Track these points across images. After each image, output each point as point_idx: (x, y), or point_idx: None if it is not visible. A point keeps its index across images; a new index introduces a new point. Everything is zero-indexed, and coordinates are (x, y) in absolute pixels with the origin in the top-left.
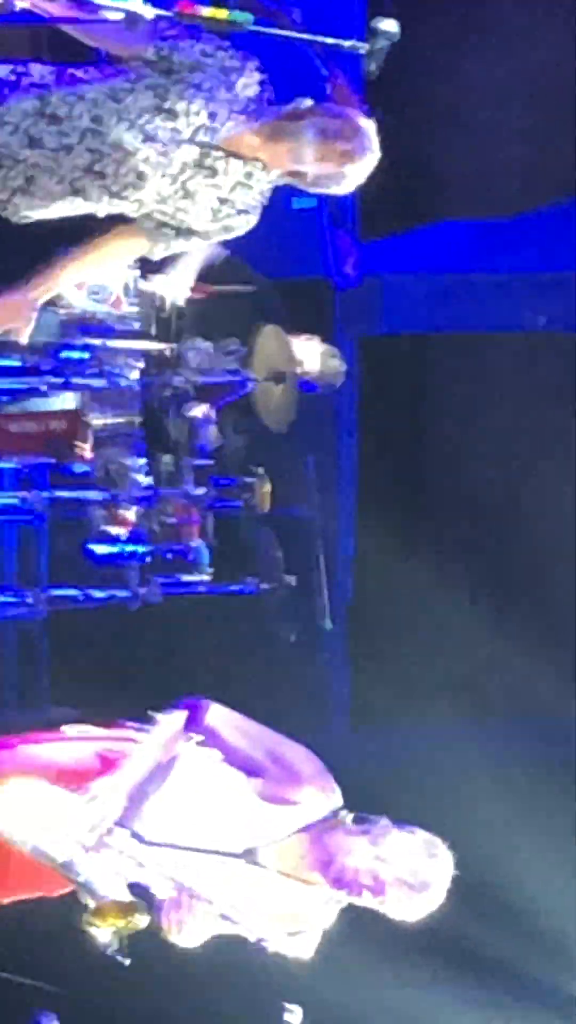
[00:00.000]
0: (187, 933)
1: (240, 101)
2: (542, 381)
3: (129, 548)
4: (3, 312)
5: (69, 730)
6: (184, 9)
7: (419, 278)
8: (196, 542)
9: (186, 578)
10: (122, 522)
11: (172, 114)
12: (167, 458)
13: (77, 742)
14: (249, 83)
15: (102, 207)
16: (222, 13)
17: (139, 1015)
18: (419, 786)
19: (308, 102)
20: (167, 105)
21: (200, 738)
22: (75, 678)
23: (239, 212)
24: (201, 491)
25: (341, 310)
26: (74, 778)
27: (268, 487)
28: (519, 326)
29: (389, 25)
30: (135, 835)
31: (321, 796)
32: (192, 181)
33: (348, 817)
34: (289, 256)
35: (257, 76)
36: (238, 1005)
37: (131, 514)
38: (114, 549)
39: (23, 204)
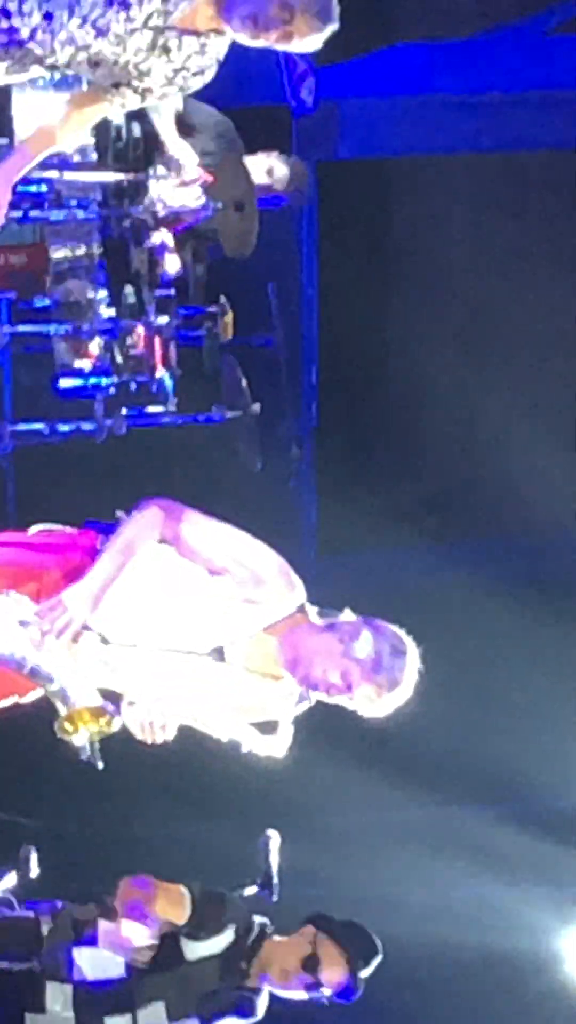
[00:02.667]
0: (157, 733)
1: None
2: (498, 201)
3: (93, 380)
4: None
5: (33, 530)
6: None
7: (376, 102)
8: (160, 372)
9: (152, 409)
10: (86, 355)
11: (125, 4)
12: (129, 289)
13: (42, 544)
14: None
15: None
16: None
17: (114, 840)
18: (385, 612)
19: None
20: None
21: (165, 535)
22: (43, 510)
23: (194, 74)
24: (164, 321)
25: (299, 135)
26: (37, 580)
27: (231, 315)
28: (475, 147)
29: None
30: (103, 638)
31: (285, 592)
32: (146, 62)
33: (313, 611)
34: (246, 83)
35: None
36: (219, 825)
37: (94, 347)
38: (79, 382)
39: None
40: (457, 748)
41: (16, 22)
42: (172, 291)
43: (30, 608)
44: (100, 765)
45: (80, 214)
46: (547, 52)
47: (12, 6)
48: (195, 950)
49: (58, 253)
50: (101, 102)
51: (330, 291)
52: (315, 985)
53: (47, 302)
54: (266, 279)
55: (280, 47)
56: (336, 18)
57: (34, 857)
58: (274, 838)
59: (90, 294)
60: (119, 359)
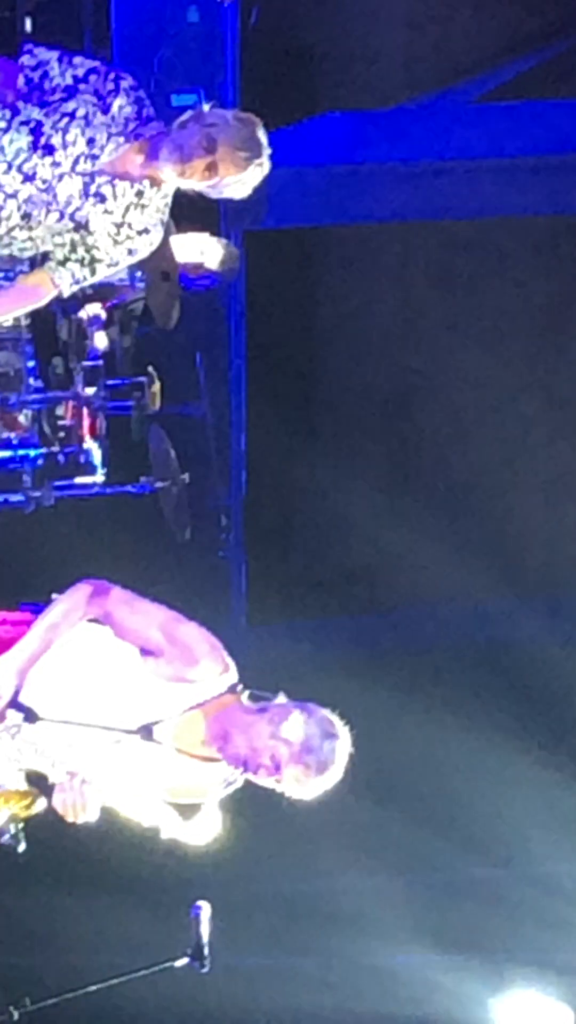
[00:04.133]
0: (82, 814)
1: (118, 122)
2: (425, 270)
3: (21, 452)
4: None
5: None
6: None
7: (303, 171)
8: (89, 443)
9: (80, 480)
10: (13, 426)
11: (49, 149)
12: (57, 360)
13: None
14: (125, 103)
15: None
16: None
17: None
18: (314, 681)
19: (188, 113)
20: (43, 141)
21: (95, 614)
22: None
23: (139, 233)
24: (92, 391)
25: (226, 205)
26: None
27: (158, 386)
28: (403, 216)
29: None
30: (28, 715)
31: (217, 672)
32: (81, 212)
33: (244, 694)
34: None
35: (133, 94)
36: (148, 897)
37: (23, 418)
38: (7, 453)
39: None
40: (386, 817)
41: None
42: (100, 362)
43: None
44: (22, 847)
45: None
46: (472, 120)
47: None
48: None
49: None
50: (43, 283)
51: (258, 359)
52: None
53: None
54: (194, 350)
55: (207, 185)
56: (264, 156)
57: None
58: (205, 908)
59: (17, 365)
60: (47, 430)
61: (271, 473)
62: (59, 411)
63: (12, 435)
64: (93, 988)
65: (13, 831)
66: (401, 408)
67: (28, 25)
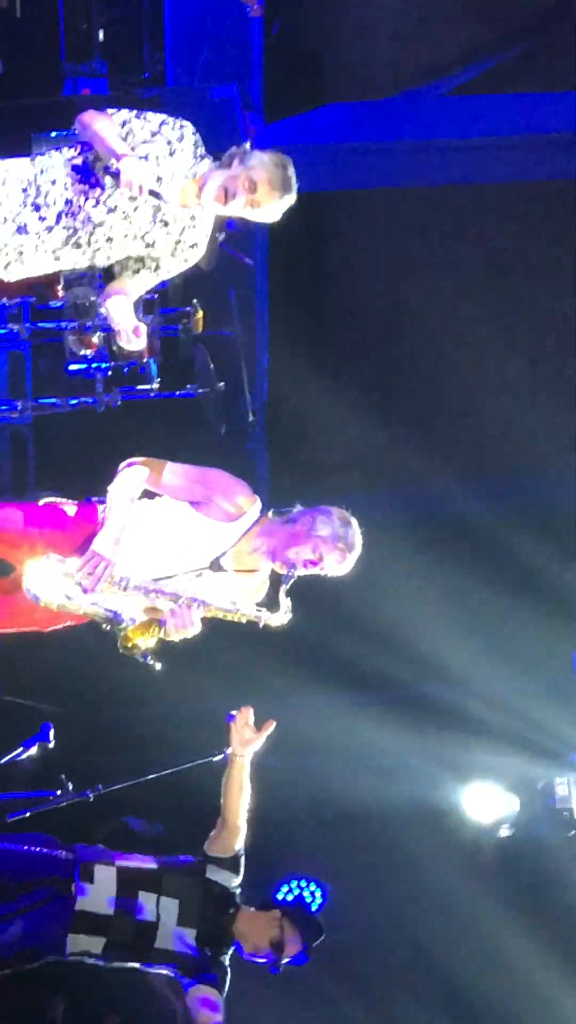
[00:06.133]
0: (191, 629)
1: (181, 162)
2: (408, 225)
3: (95, 365)
4: None
5: (42, 501)
6: None
7: (313, 147)
8: (147, 359)
9: (140, 387)
10: (89, 345)
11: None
12: None
13: (58, 517)
14: (186, 146)
15: (80, 263)
16: None
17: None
18: None
19: (234, 150)
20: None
21: (151, 480)
22: (56, 471)
23: (191, 247)
24: (150, 319)
25: None
26: (64, 544)
27: (201, 314)
28: (390, 183)
29: None
30: (123, 581)
31: (250, 503)
32: (150, 235)
33: (270, 513)
34: (211, 134)
35: (192, 138)
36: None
37: (95, 339)
38: (83, 366)
39: (15, 270)
40: (369, 646)
41: (44, 212)
42: (155, 296)
43: (70, 565)
44: (158, 666)
45: None
46: (445, 109)
47: (40, 200)
48: (214, 873)
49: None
50: (127, 288)
51: (277, 293)
52: (277, 959)
53: (59, 304)
54: (228, 285)
55: (245, 213)
56: (294, 189)
57: (52, 732)
58: (243, 713)
59: (92, 298)
60: (114, 348)
61: (288, 383)
62: None
63: (88, 352)
64: (152, 776)
65: (150, 656)
66: (391, 331)
67: (101, 36)
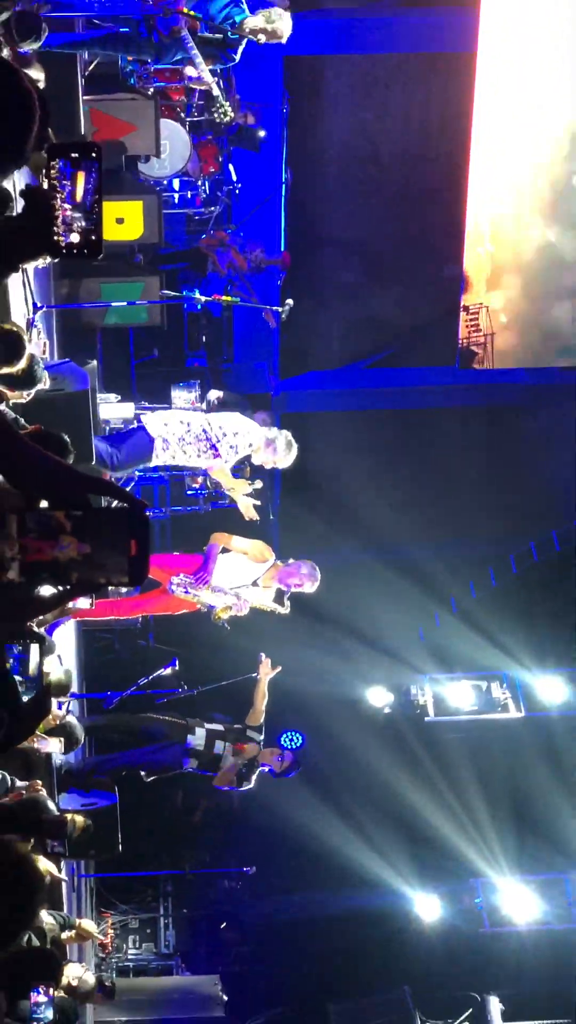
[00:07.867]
0: (243, 612)
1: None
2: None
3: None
4: None
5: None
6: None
7: (303, 393)
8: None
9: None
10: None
11: (212, 445)
12: None
13: (185, 559)
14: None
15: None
16: None
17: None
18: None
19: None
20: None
21: (225, 543)
22: (180, 539)
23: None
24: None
25: (274, 403)
26: (188, 569)
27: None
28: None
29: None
30: (218, 586)
31: (270, 556)
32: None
33: (278, 562)
34: (252, 388)
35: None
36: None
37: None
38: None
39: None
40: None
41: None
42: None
43: (189, 580)
44: (228, 627)
45: None
46: (369, 375)
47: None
48: (251, 732)
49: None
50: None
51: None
52: (278, 773)
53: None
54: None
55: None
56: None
57: (177, 662)
58: (265, 664)
59: None
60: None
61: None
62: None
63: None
64: (224, 683)
65: (225, 623)
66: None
67: (203, 339)
